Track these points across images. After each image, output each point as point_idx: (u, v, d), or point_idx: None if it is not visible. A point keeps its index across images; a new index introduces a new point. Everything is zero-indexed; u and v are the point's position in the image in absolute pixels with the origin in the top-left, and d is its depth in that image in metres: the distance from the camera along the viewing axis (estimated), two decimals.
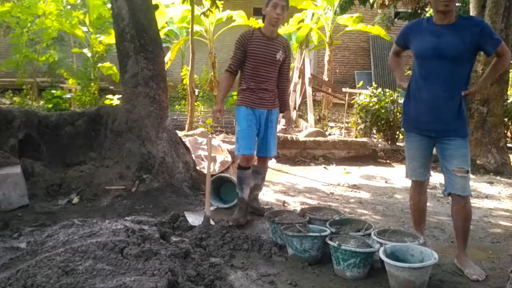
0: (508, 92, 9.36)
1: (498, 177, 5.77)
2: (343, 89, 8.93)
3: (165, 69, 4.91)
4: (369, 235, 3.02)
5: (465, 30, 2.78)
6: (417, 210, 3.22)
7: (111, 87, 12.21)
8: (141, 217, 3.50)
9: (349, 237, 2.94)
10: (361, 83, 9.63)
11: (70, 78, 10.06)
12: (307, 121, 9.36)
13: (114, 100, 6.81)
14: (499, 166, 5.92)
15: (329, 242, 2.85)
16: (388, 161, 6.60)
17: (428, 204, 4.08)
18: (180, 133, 6.63)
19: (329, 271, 2.88)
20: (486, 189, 5.19)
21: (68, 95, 6.84)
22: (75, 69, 10.44)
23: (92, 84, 9.91)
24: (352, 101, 8.19)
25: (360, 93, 7.80)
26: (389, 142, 7.26)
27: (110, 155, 4.67)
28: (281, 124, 9.87)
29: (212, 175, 4.96)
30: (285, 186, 5.12)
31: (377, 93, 7.25)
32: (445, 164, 2.94)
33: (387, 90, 7.45)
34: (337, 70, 13.97)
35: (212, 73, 11.32)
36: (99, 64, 10.46)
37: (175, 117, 9.31)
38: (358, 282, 2.74)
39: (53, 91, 6.00)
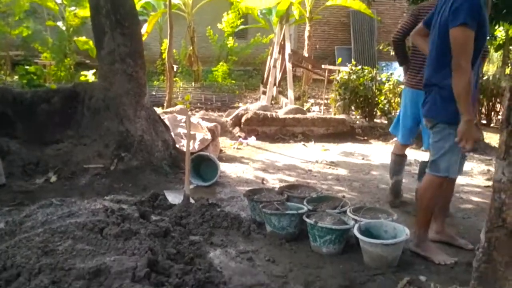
0: (484, 69, 9.58)
1: (471, 154, 5.93)
2: (323, 66, 8.95)
3: (142, 44, 4.82)
4: (345, 212, 3.11)
5: None
6: (433, 210, 2.89)
7: (87, 61, 11.94)
8: (120, 196, 3.52)
9: (325, 215, 3.02)
10: (339, 60, 9.63)
11: (44, 52, 9.78)
12: (287, 98, 9.39)
13: (89, 76, 6.67)
14: (476, 142, 6.07)
15: (306, 219, 2.92)
16: (365, 138, 6.71)
17: (403, 180, 4.22)
18: (158, 110, 6.59)
19: (306, 247, 2.96)
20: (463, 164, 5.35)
21: (42, 71, 6.67)
22: (50, 43, 10.15)
23: (68, 59, 9.67)
24: (331, 77, 8.21)
25: (339, 70, 7.83)
26: (367, 119, 7.36)
27: (88, 133, 4.62)
28: (261, 100, 9.90)
29: (191, 153, 5.00)
30: (264, 163, 5.18)
31: (356, 70, 7.29)
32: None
33: (366, 67, 7.50)
34: (317, 46, 13.93)
35: (191, 48, 11.18)
36: (74, 38, 10.19)
37: (154, 93, 9.23)
38: (334, 257, 2.83)
39: (26, 67, 5.84)
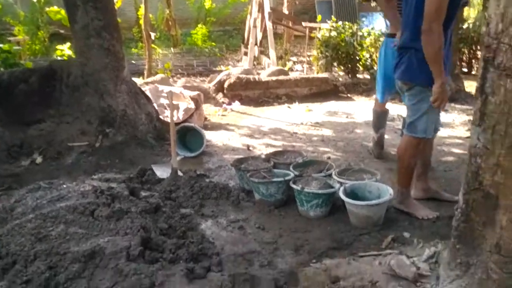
0: (465, 14, 9.50)
1: (453, 104, 6.03)
2: (303, 24, 8.81)
3: (117, 16, 4.69)
4: (331, 175, 3.18)
5: None
6: (413, 168, 2.97)
7: (62, 31, 11.54)
8: (108, 174, 3.54)
9: (311, 179, 3.09)
10: (319, 17, 9.46)
11: (17, 26, 9.44)
12: (269, 57, 9.28)
13: (65, 49, 6.48)
14: (454, 93, 6.16)
15: (293, 185, 2.99)
16: (349, 95, 6.74)
17: (386, 136, 4.30)
18: (139, 81, 6.51)
19: (294, 212, 3.05)
20: (441, 117, 5.44)
21: (16, 47, 6.47)
22: (22, 16, 9.77)
23: (41, 31, 9.35)
24: (312, 35, 8.12)
25: (319, 28, 7.73)
26: (350, 76, 7.36)
27: (69, 111, 4.56)
28: (243, 61, 9.78)
29: (176, 124, 4.99)
30: (250, 129, 5.20)
31: (336, 27, 7.21)
32: None
33: (347, 22, 7.42)
34: (297, 2, 13.63)
35: (168, 11, 10.86)
36: (46, 9, 9.81)
37: (133, 61, 9.03)
38: (321, 220, 2.93)
39: (0, 45, 5.66)
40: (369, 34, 7.13)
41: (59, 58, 6.78)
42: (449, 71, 2.84)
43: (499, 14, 1.46)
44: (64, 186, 3.25)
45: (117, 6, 7.38)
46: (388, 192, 2.83)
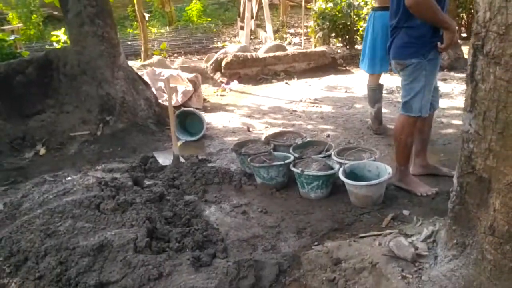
0: None
1: (452, 73, 6.00)
2: None
3: (109, 2, 4.64)
4: (330, 156, 3.22)
5: None
6: (411, 146, 2.99)
7: (55, 13, 11.41)
8: (111, 164, 3.59)
9: (311, 161, 3.13)
10: None
11: (10, 12, 9.33)
12: (266, 31, 9.18)
13: (60, 35, 6.43)
14: (453, 61, 6.12)
15: (293, 169, 3.04)
16: (347, 67, 6.71)
17: (384, 110, 4.32)
18: (136, 64, 6.50)
19: (296, 194, 3.11)
20: (440, 88, 5.42)
21: (12, 37, 6.42)
22: (14, 2, 9.65)
23: (34, 15, 9.24)
24: (308, 6, 8.00)
25: (315, 0, 7.61)
26: (347, 47, 7.30)
27: (68, 100, 4.59)
28: (240, 36, 9.67)
29: (175, 107, 5.01)
30: (250, 108, 5.21)
31: None
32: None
33: None
34: None
35: None
36: None
37: (129, 42, 8.98)
38: (322, 201, 2.98)
39: None
40: (365, 4, 7.02)
41: (54, 44, 6.73)
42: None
43: (487, 2, 1.45)
44: (69, 178, 3.32)
45: None
46: (387, 171, 2.88)
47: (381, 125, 4.15)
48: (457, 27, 2.68)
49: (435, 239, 2.15)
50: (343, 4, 7.04)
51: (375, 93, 4.12)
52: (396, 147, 3.01)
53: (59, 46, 6.22)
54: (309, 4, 8.18)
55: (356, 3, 7.12)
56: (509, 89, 1.49)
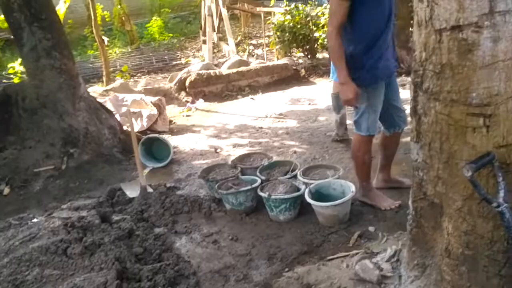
0: None
1: (409, 78, 6.17)
2: (258, 9, 8.75)
3: (65, 33, 4.59)
4: (296, 176, 3.28)
5: None
6: (369, 164, 3.03)
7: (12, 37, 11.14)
8: (77, 201, 3.54)
9: (278, 183, 3.18)
10: (272, 1, 9.33)
11: None
12: (228, 44, 9.22)
13: (15, 66, 6.27)
14: (410, 66, 6.30)
15: (260, 193, 3.08)
16: (310, 79, 6.82)
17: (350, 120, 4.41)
18: (98, 89, 6.42)
19: (265, 217, 3.14)
20: (405, 115, 5.58)
21: None
22: None
23: None
24: (268, 22, 8.11)
25: (274, 13, 7.71)
26: (309, 57, 7.42)
27: (30, 135, 4.49)
28: (203, 50, 9.68)
29: (140, 132, 4.99)
30: (216, 128, 5.24)
31: (290, 10, 7.21)
32: (392, 102, 2.93)
33: (299, 4, 7.42)
34: None
35: (120, 6, 10.61)
36: None
37: (90, 65, 8.85)
38: (291, 223, 3.03)
39: None
40: (322, 14, 7.16)
41: (12, 76, 6.58)
42: (394, 54, 2.88)
43: (422, 43, 1.54)
44: (35, 220, 3.27)
45: (66, 1, 7.14)
46: (350, 189, 2.95)
47: (346, 131, 4.24)
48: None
49: (398, 258, 2.23)
50: (301, 15, 7.16)
51: (339, 100, 4.15)
52: (354, 165, 3.09)
53: (17, 78, 6.11)
54: (268, 19, 8.26)
55: (313, 13, 7.25)
56: (449, 122, 1.57)
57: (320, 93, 6.02)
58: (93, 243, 2.71)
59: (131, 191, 3.65)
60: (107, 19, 11.39)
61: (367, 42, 2.67)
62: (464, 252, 1.71)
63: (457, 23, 1.41)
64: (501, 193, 1.50)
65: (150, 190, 3.63)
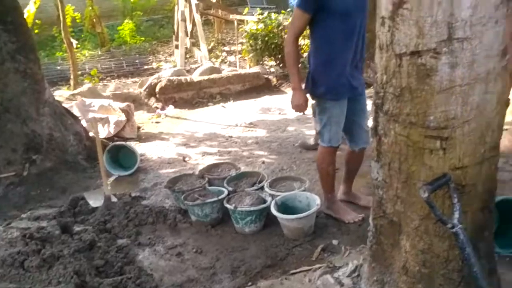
0: None
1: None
2: (231, 16, 8.76)
3: (32, 36, 4.47)
4: (263, 187, 3.28)
5: None
6: (333, 175, 3.08)
7: None
8: (38, 210, 3.44)
9: (244, 194, 3.17)
10: (246, 9, 9.37)
11: None
12: (201, 50, 9.18)
13: None
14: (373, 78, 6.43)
15: (226, 205, 3.06)
16: (281, 88, 6.86)
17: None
18: (65, 93, 6.27)
19: (231, 229, 3.12)
20: (367, 131, 5.67)
21: None
22: None
23: None
24: (240, 29, 8.13)
25: (247, 21, 7.73)
26: (281, 66, 7.47)
27: None
28: (175, 55, 9.60)
29: (107, 138, 4.90)
30: (185, 136, 5.19)
31: (263, 19, 7.25)
32: (356, 120, 2.96)
33: (272, 13, 7.47)
34: None
35: (91, 8, 10.42)
36: None
37: (58, 67, 8.64)
38: (257, 235, 3.02)
39: None
40: None
41: None
42: (362, 68, 2.95)
43: (383, 66, 1.57)
44: None
45: (36, 5, 6.97)
46: (315, 202, 2.97)
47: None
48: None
49: (359, 273, 2.25)
50: (273, 24, 7.21)
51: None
52: (319, 176, 3.12)
53: None
54: (241, 27, 8.27)
55: (286, 23, 7.31)
56: (408, 143, 1.60)
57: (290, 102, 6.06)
58: (52, 255, 2.63)
59: (95, 201, 3.57)
60: (77, 21, 11.17)
61: (327, 57, 2.76)
62: (421, 270, 1.75)
63: (416, 49, 1.44)
64: (456, 214, 1.54)
65: (114, 199, 3.55)
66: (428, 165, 1.58)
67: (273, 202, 3.02)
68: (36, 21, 8.44)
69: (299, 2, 2.69)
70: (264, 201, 3.09)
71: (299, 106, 2.86)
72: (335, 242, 2.84)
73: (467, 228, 1.61)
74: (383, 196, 1.80)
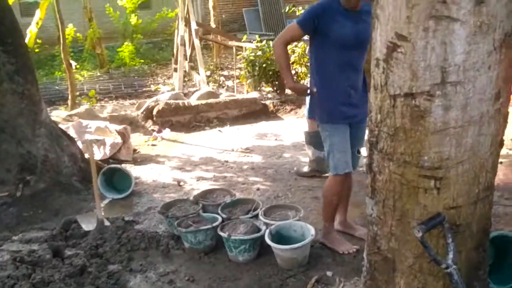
0: None
1: None
2: (230, 42, 8.89)
3: (30, 58, 4.51)
4: (257, 215, 3.27)
5: (369, 15, 2.82)
6: (336, 205, 3.08)
7: None
8: (30, 233, 3.40)
9: (239, 222, 3.16)
10: (244, 36, 9.54)
11: None
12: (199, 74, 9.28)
13: None
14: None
15: (220, 233, 3.04)
16: (278, 114, 6.91)
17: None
18: (63, 113, 6.28)
19: (224, 257, 3.10)
20: (361, 157, 5.74)
21: None
22: None
23: None
24: (239, 56, 8.24)
25: (245, 48, 7.85)
26: (278, 92, 7.55)
27: None
28: (174, 78, 9.70)
29: (102, 160, 4.89)
30: (181, 160, 5.19)
31: (261, 47, 7.36)
32: (351, 145, 2.95)
33: (271, 42, 7.58)
34: (223, 16, 13.71)
35: (92, 29, 10.54)
36: None
37: (56, 87, 8.69)
38: (251, 264, 3.00)
39: None
40: (293, 52, 7.32)
41: None
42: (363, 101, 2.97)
43: (377, 105, 1.60)
44: None
45: (37, 27, 7.03)
46: (310, 232, 2.96)
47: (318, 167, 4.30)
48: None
49: None
50: (272, 52, 7.30)
51: (312, 137, 4.17)
52: (322, 203, 3.13)
53: None
54: (239, 53, 8.38)
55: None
56: (402, 182, 1.62)
57: (287, 129, 6.11)
58: (42, 280, 2.61)
59: (87, 224, 3.53)
60: (79, 41, 11.30)
61: (321, 81, 2.85)
62: None
63: (410, 91, 1.47)
64: (450, 255, 1.54)
65: (107, 223, 3.52)
66: (423, 204, 1.60)
67: (268, 231, 3.01)
68: (37, 40, 8.54)
69: (300, 18, 2.86)
70: (259, 230, 3.08)
71: (304, 92, 3.05)
72: (329, 273, 2.83)
73: (461, 267, 1.62)
74: (377, 233, 1.80)
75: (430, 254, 1.53)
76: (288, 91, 7.67)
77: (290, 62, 5.06)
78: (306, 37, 3.08)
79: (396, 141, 1.56)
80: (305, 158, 4.88)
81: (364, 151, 2.48)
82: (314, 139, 4.25)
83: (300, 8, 7.69)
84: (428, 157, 1.52)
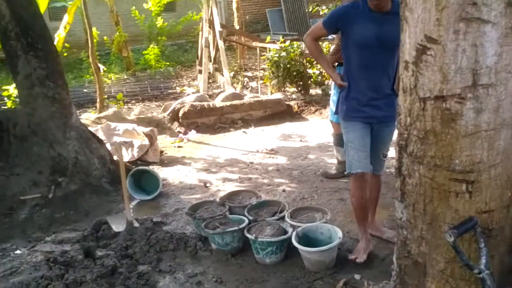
0: None
1: None
2: (254, 43, 8.91)
3: (61, 63, 4.64)
4: (284, 217, 3.28)
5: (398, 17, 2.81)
6: (361, 207, 3.03)
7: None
8: (62, 234, 3.50)
9: (265, 224, 3.17)
10: (268, 38, 9.54)
11: None
12: (223, 75, 9.34)
13: (10, 90, 6.25)
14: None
15: (247, 235, 3.06)
16: (302, 115, 6.89)
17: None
18: (92, 116, 6.43)
19: (251, 259, 3.12)
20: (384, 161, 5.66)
21: None
22: None
23: None
24: (262, 57, 8.25)
25: (269, 49, 7.85)
26: (302, 93, 7.53)
27: (19, 162, 4.46)
28: (198, 80, 9.80)
29: (130, 162, 4.99)
30: (206, 161, 5.24)
31: (285, 47, 7.35)
32: (375, 148, 2.96)
33: (294, 42, 7.58)
34: (247, 17, 13.75)
35: (118, 33, 10.74)
36: None
37: (85, 90, 8.89)
38: (278, 266, 3.01)
39: None
40: None
41: (5, 99, 6.55)
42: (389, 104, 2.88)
43: (407, 108, 1.58)
44: (18, 252, 3.23)
45: (66, 30, 7.20)
46: (337, 235, 2.95)
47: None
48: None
49: None
50: (295, 52, 7.30)
51: (339, 139, 4.14)
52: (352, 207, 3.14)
53: (10, 102, 6.11)
54: (263, 55, 8.39)
55: (307, 51, 7.38)
56: (433, 185, 1.60)
57: (311, 130, 6.09)
58: (75, 280, 2.68)
59: (117, 225, 3.62)
60: (106, 44, 11.53)
61: (346, 80, 2.90)
62: None
63: (440, 94, 1.46)
64: (483, 260, 1.52)
65: (136, 224, 3.60)
66: (454, 208, 1.57)
67: (294, 233, 3.01)
68: (66, 44, 8.77)
69: (325, 17, 2.98)
70: (285, 232, 3.09)
71: (335, 79, 3.02)
72: (357, 276, 2.81)
73: (493, 272, 1.58)
74: (407, 237, 1.78)
75: (463, 259, 1.51)
76: (312, 92, 7.68)
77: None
78: (330, 36, 3.19)
79: (426, 144, 1.54)
80: (330, 159, 4.86)
81: (392, 154, 2.47)
82: (342, 141, 4.22)
83: (324, 7, 7.64)
84: (460, 160, 1.50)
